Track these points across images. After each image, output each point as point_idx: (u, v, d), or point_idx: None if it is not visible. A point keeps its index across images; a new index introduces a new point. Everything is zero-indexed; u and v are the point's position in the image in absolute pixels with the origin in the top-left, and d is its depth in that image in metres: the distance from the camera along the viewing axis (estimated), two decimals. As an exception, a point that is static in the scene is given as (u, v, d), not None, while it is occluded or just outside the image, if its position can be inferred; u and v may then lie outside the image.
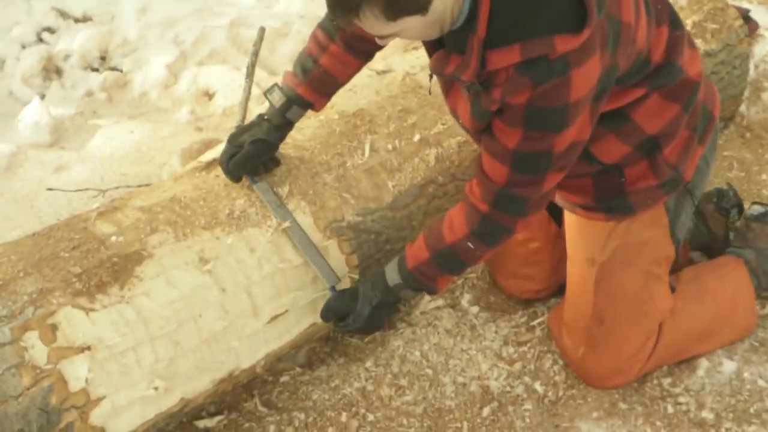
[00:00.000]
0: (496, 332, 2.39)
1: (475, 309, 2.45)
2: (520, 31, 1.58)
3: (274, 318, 2.02)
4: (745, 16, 2.89)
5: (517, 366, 2.29)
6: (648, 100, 1.88)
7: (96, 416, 1.74)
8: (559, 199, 2.11)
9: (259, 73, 3.32)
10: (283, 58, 3.61)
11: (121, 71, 3.70)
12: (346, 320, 2.02)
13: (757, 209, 2.45)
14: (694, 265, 2.38)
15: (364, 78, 2.42)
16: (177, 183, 2.14)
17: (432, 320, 2.40)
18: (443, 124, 2.35)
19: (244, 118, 2.62)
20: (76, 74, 3.68)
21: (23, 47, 3.80)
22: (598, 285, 2.11)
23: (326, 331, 2.24)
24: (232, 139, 2.08)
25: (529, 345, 2.34)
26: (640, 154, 1.95)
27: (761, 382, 2.21)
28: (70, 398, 1.70)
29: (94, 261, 1.84)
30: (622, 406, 2.18)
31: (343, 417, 2.15)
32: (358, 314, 1.99)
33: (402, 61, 2.55)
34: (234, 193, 2.07)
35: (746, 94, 3.17)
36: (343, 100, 2.34)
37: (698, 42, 2.75)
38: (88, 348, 1.73)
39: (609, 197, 2.03)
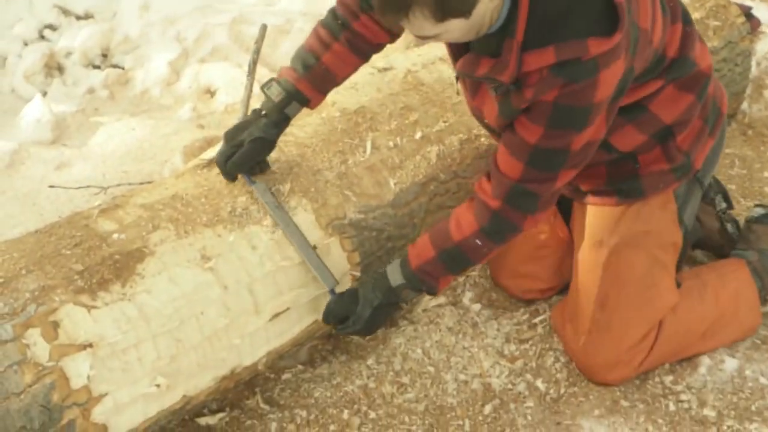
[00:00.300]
0: (497, 330, 2.39)
1: (476, 306, 2.45)
2: (555, 34, 1.65)
3: (276, 315, 2.02)
4: (747, 13, 2.89)
5: (519, 363, 2.29)
6: (664, 91, 1.95)
7: (98, 413, 1.74)
8: (569, 190, 2.13)
9: (261, 71, 3.32)
10: (284, 56, 3.61)
11: (123, 68, 3.71)
12: (347, 322, 2.03)
13: (759, 211, 2.47)
14: (696, 267, 2.39)
15: (365, 75, 2.42)
16: (179, 180, 2.14)
17: (434, 318, 2.40)
18: (445, 122, 2.35)
19: (245, 115, 2.61)
20: (78, 71, 3.68)
21: (25, 44, 3.81)
22: (605, 267, 2.14)
23: (328, 328, 2.23)
24: (230, 138, 2.06)
25: (530, 342, 2.34)
26: (654, 141, 2.02)
27: (763, 380, 2.21)
28: (72, 395, 1.70)
29: (96, 258, 1.84)
30: (624, 403, 2.18)
31: (345, 414, 2.15)
32: (359, 316, 2.00)
33: (404, 58, 2.55)
34: (236, 191, 2.07)
35: (748, 91, 3.17)
36: (345, 97, 2.34)
37: (700, 39, 2.75)
38: (90, 345, 1.73)
39: (622, 180, 2.09)
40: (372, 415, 2.16)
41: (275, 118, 2.05)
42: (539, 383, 2.24)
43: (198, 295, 1.88)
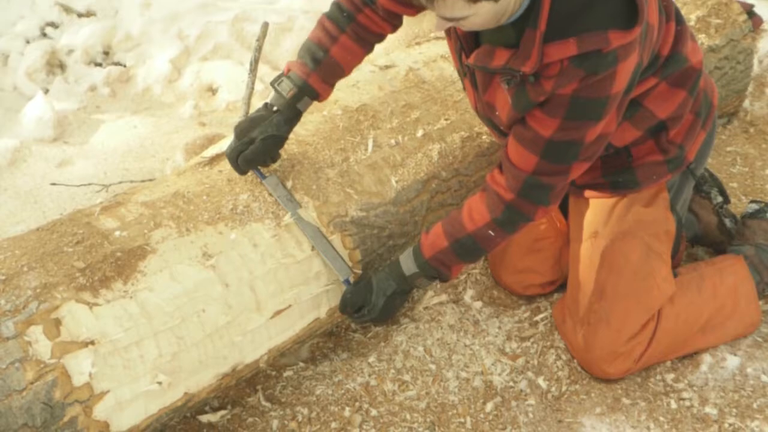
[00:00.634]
0: (499, 327, 2.39)
1: (478, 304, 2.45)
2: (576, 26, 1.67)
3: (278, 313, 2.02)
4: (749, 11, 2.89)
5: (521, 361, 2.29)
6: (658, 87, 1.99)
7: (100, 410, 1.74)
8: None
9: (263, 69, 3.33)
10: (286, 53, 3.62)
11: (125, 66, 3.71)
12: (362, 311, 2.10)
13: (753, 207, 2.52)
14: (694, 262, 2.41)
15: (367, 73, 2.42)
16: (180, 178, 2.14)
17: (435, 315, 2.40)
18: (446, 120, 2.35)
19: (247, 113, 2.62)
20: (80, 69, 3.68)
21: (27, 42, 3.80)
22: (601, 258, 2.17)
23: (329, 326, 2.24)
24: (241, 135, 2.06)
25: (532, 340, 2.35)
26: (647, 135, 2.06)
27: (764, 378, 2.21)
28: (74, 392, 1.70)
29: (98, 256, 1.84)
30: (625, 401, 2.18)
31: (347, 412, 2.15)
32: (374, 305, 2.09)
33: (405, 56, 2.55)
34: (237, 189, 2.07)
35: (750, 89, 3.17)
36: (347, 95, 2.34)
37: (702, 37, 2.76)
38: (92, 342, 1.73)
39: (616, 173, 2.13)
40: (373, 412, 2.16)
41: (288, 114, 2.07)
42: (541, 381, 2.24)
43: (199, 293, 1.89)
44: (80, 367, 1.71)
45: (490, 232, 1.98)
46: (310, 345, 2.35)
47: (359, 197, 2.15)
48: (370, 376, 2.25)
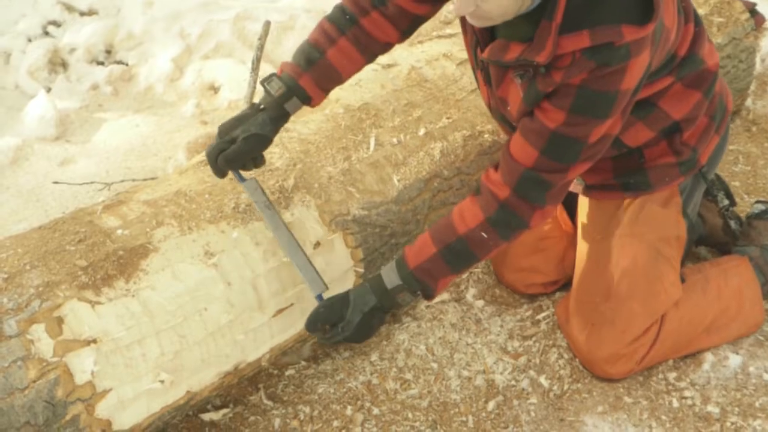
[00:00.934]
0: (501, 326, 2.39)
1: (480, 303, 2.45)
2: (590, 19, 1.67)
3: (280, 311, 2.02)
4: (752, 9, 2.89)
5: (523, 360, 2.29)
6: (673, 88, 1.97)
7: (102, 409, 1.74)
8: (575, 185, 2.14)
9: (265, 67, 3.33)
10: (288, 52, 3.61)
11: (127, 65, 3.71)
12: (335, 329, 1.92)
13: (758, 207, 2.51)
14: (699, 263, 2.40)
15: (369, 72, 2.42)
16: (182, 176, 2.14)
17: (437, 314, 2.40)
18: (448, 118, 2.35)
19: (248, 112, 2.62)
20: (82, 68, 3.69)
21: (29, 40, 3.81)
22: (609, 259, 2.14)
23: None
24: (223, 133, 1.98)
25: (534, 339, 2.34)
26: (661, 136, 2.04)
27: (767, 376, 2.21)
28: (76, 391, 1.71)
29: (100, 254, 1.84)
30: (627, 400, 2.18)
31: (348, 410, 2.15)
32: (348, 322, 1.90)
33: (407, 54, 2.55)
34: (239, 187, 2.07)
35: (752, 87, 3.17)
36: (348, 93, 2.34)
37: (704, 36, 2.75)
38: (94, 341, 1.74)
39: (628, 174, 2.11)
40: (375, 411, 2.16)
41: (273, 114, 1.97)
42: (543, 380, 2.24)
43: (201, 291, 1.89)
44: (82, 365, 1.71)
45: (483, 233, 1.86)
46: (312, 343, 2.35)
47: (361, 196, 2.15)
48: (372, 374, 2.25)
